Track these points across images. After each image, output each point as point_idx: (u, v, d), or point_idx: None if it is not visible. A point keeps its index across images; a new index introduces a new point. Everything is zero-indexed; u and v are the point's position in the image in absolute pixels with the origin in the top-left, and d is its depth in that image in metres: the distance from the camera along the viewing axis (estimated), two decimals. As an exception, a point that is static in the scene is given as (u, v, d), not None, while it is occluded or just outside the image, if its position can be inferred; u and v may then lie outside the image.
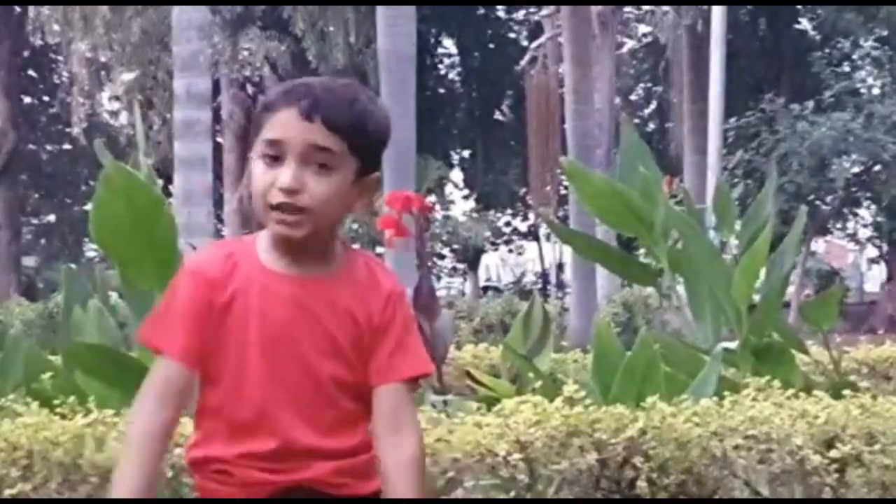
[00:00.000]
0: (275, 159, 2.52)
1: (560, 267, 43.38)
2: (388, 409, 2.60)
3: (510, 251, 48.24)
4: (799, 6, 34.00)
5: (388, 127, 2.64)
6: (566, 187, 22.84)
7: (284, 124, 2.52)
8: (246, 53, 29.41)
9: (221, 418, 2.59)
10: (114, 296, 6.46)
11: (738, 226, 7.06)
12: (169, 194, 17.80)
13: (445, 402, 5.31)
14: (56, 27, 28.83)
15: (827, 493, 4.51)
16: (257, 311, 2.56)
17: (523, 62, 33.00)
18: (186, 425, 4.21)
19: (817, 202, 25.37)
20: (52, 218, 43.33)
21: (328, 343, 2.56)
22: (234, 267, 2.59)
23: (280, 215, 2.52)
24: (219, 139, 29.17)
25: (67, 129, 34.70)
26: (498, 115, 42.81)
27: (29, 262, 41.19)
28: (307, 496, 2.57)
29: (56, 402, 4.60)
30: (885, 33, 29.21)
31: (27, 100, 39.01)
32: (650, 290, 16.31)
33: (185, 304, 2.58)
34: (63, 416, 4.36)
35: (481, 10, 40.91)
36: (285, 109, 2.52)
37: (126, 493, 2.48)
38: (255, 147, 2.56)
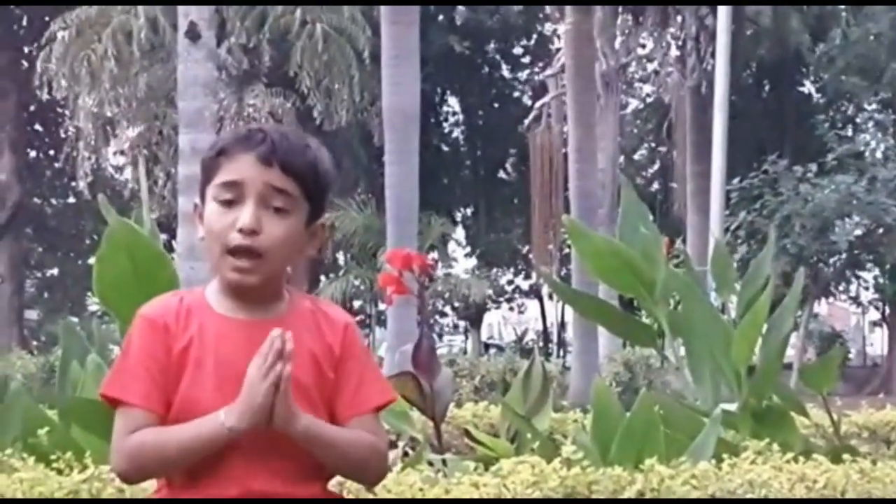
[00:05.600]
0: (231, 203, 2.55)
1: (562, 325, 43.37)
2: None
3: (511, 309, 48.16)
4: (803, 68, 34.14)
5: (334, 174, 2.69)
6: (569, 246, 22.85)
7: (243, 168, 2.55)
8: (251, 110, 29.49)
9: None
10: (115, 350, 6.45)
11: (738, 287, 7.04)
12: (172, 249, 17.83)
13: (444, 462, 5.30)
14: (63, 82, 28.90)
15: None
16: (213, 354, 2.56)
17: (527, 121, 33.10)
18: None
19: (820, 264, 25.36)
20: (55, 271, 43.30)
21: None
22: (188, 313, 2.59)
23: (236, 262, 2.54)
24: (223, 195, 29.12)
25: (72, 183, 34.74)
26: (501, 174, 42.87)
27: (31, 315, 41.19)
28: None
29: (53, 457, 4.59)
30: (888, 96, 29.27)
31: (33, 154, 39.08)
32: (652, 350, 16.29)
33: (145, 352, 2.57)
34: (59, 472, 4.36)
35: (486, 69, 41.08)
36: (243, 155, 2.56)
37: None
38: (208, 191, 2.59)
